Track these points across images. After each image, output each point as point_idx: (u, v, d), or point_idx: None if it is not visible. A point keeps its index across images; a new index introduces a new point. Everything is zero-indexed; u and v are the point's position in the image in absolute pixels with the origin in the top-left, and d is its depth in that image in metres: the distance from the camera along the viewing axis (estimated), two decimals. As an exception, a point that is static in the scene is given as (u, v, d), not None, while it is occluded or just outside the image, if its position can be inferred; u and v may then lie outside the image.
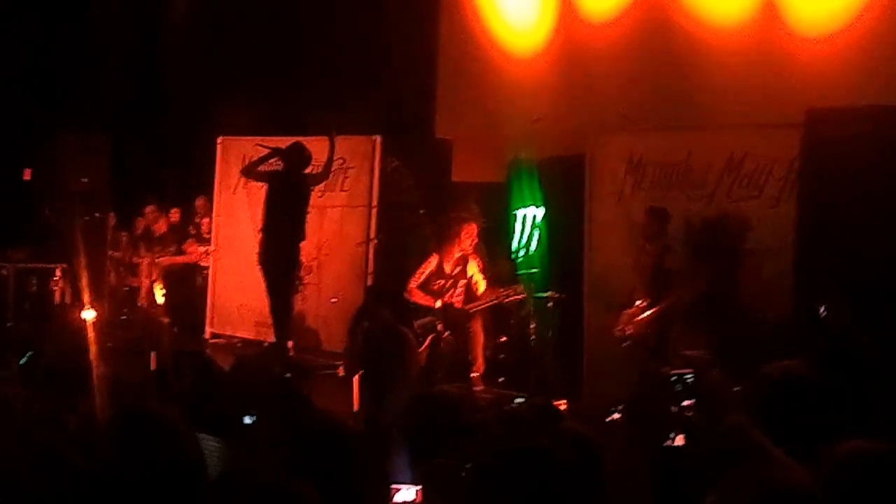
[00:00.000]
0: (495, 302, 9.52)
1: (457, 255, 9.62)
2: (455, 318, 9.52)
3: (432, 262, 9.67)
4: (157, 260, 12.34)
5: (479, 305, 9.54)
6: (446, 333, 9.49)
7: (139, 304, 12.59)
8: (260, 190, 10.49)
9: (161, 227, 12.83)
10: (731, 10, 9.39)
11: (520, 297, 9.40)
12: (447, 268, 9.65)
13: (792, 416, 4.17)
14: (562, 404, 8.48)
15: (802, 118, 7.83)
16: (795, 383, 4.39)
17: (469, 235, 9.57)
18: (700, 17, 9.59)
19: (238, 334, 11.63)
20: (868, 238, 7.23)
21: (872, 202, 7.27)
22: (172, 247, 12.55)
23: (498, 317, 9.83)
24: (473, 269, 9.64)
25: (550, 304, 9.44)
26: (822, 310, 7.13)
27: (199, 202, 12.58)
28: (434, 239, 10.14)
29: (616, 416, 6.98)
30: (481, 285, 9.63)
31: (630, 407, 5.85)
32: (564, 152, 10.09)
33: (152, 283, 12.36)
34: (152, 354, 9.05)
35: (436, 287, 9.61)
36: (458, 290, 9.62)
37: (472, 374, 9.41)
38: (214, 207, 12.06)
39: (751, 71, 9.09)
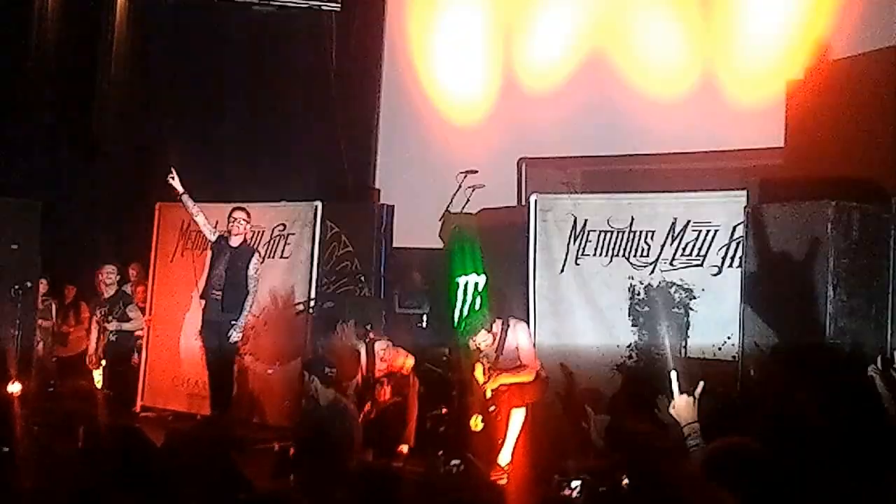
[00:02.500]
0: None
1: None
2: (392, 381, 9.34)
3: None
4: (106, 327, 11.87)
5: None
6: (368, 404, 9.30)
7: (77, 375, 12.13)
8: (201, 256, 10.25)
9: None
10: (672, 84, 9.50)
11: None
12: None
13: (743, 492, 4.08)
14: (502, 473, 8.39)
15: (744, 187, 7.86)
16: (745, 459, 4.30)
17: None
18: (642, 90, 9.70)
19: (170, 407, 11.26)
20: (813, 305, 7.21)
21: (814, 268, 7.27)
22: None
23: (438, 388, 9.63)
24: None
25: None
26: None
27: (133, 269, 12.27)
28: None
29: (569, 491, 6.79)
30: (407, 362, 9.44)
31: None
32: (507, 219, 10.03)
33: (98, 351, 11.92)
34: (81, 429, 8.72)
35: None
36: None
37: (398, 448, 9.20)
38: (151, 275, 11.76)
39: (691, 143, 9.16)
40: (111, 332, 11.51)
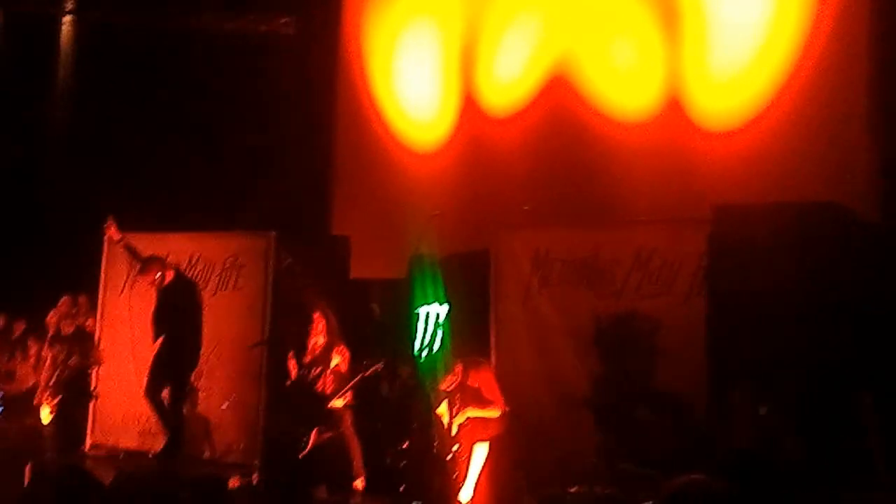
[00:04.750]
0: (356, 381, 9.17)
1: (312, 343, 9.34)
2: (327, 415, 9.17)
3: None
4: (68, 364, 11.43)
5: (343, 392, 9.17)
6: (328, 434, 9.11)
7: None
8: (150, 290, 10.01)
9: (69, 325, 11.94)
10: (636, 106, 9.38)
11: (378, 366, 9.14)
12: (305, 358, 9.38)
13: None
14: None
15: (709, 214, 7.72)
16: (705, 499, 4.12)
17: (317, 321, 9.36)
18: (605, 113, 9.57)
19: (121, 445, 10.91)
20: (777, 334, 7.10)
21: (781, 299, 7.15)
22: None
23: (400, 421, 9.42)
24: (337, 359, 9.29)
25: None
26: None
27: (80, 300, 11.91)
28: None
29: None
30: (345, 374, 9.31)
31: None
32: (468, 248, 9.87)
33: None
34: (27, 467, 8.39)
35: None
36: (325, 383, 9.27)
37: (353, 484, 8.98)
38: (99, 308, 11.41)
39: (657, 166, 9.07)
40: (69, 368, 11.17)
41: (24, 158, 13.59)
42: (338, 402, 9.21)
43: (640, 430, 7.91)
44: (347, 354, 9.36)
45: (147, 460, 10.14)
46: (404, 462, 9.05)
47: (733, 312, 7.44)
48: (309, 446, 9.06)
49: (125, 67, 13.11)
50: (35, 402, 11.41)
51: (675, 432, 7.71)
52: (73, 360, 11.14)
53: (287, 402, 9.41)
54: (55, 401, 11.11)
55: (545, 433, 8.64)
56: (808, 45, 8.57)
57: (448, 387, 8.60)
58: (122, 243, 9.95)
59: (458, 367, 8.65)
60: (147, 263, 9.78)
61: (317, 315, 9.38)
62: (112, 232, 9.93)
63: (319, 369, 9.27)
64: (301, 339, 9.43)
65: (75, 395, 11.27)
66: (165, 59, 12.98)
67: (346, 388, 9.20)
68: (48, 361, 11.39)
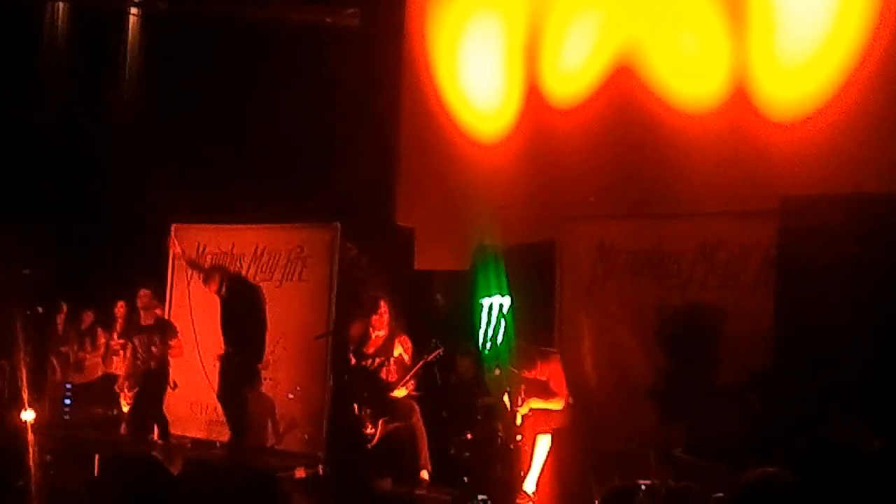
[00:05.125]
0: (417, 368, 9.25)
1: (375, 334, 9.43)
2: (393, 406, 9.24)
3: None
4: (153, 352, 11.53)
5: (405, 379, 9.25)
6: (393, 424, 9.17)
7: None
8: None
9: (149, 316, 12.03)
10: (701, 95, 9.24)
11: (438, 350, 9.18)
12: (368, 349, 9.48)
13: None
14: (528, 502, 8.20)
15: (776, 205, 7.60)
16: (778, 492, 4.11)
17: (381, 312, 9.46)
18: (670, 103, 9.43)
19: (189, 434, 11.04)
20: (846, 325, 6.97)
21: (850, 292, 7.03)
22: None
23: (463, 412, 9.41)
24: (399, 349, 9.38)
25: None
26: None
27: (146, 292, 12.00)
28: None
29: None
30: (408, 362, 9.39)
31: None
32: (532, 239, 9.83)
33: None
34: (96, 458, 8.52)
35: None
36: (388, 373, 9.38)
37: (419, 474, 9.02)
38: (168, 299, 11.54)
39: (723, 157, 8.91)
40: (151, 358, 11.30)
41: (92, 150, 13.79)
42: (400, 392, 9.25)
43: (705, 422, 7.81)
44: (410, 345, 9.41)
45: (214, 450, 10.28)
46: (468, 453, 9.07)
47: (801, 304, 7.33)
48: (377, 438, 9.12)
49: (190, 59, 13.22)
50: (118, 391, 11.60)
51: (739, 424, 7.60)
52: (155, 350, 11.31)
53: (352, 393, 9.47)
54: (133, 391, 11.28)
55: (609, 425, 8.59)
56: (876, 34, 8.36)
57: (532, 376, 8.61)
58: (184, 258, 10.27)
59: (535, 358, 8.65)
60: (209, 273, 10.06)
61: (380, 306, 9.44)
62: (174, 247, 10.25)
63: (381, 360, 9.33)
64: (365, 329, 9.50)
65: (155, 385, 11.42)
66: (231, 50, 13.06)
67: (408, 375, 9.25)
68: (127, 352, 11.55)
